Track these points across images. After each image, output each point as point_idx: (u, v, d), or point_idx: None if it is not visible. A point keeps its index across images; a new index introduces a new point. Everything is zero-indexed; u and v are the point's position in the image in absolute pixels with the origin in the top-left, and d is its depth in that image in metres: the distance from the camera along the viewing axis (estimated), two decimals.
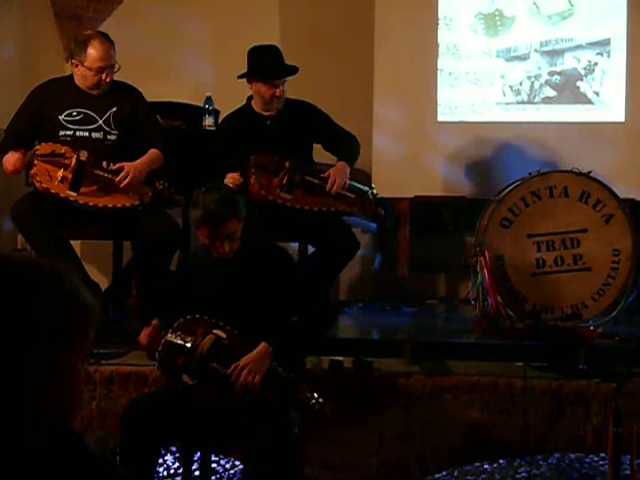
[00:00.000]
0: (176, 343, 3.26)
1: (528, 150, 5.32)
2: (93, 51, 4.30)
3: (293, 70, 4.52)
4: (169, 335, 3.28)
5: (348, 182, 4.46)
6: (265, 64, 4.47)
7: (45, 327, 1.20)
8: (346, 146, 4.57)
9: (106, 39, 4.35)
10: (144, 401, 3.37)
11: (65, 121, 4.33)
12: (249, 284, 3.35)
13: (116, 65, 4.34)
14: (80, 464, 1.25)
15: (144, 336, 3.30)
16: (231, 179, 4.32)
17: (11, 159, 4.25)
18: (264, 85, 4.47)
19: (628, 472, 3.18)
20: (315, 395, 3.21)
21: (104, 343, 3.89)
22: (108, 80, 4.34)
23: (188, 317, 3.31)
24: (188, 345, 3.25)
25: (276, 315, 3.34)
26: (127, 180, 4.23)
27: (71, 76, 4.42)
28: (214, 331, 3.29)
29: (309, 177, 4.42)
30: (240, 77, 4.51)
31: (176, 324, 3.30)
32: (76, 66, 4.35)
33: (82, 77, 4.35)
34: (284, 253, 3.55)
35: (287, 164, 4.35)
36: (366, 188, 4.59)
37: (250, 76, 4.50)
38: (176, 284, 3.60)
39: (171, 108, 5.16)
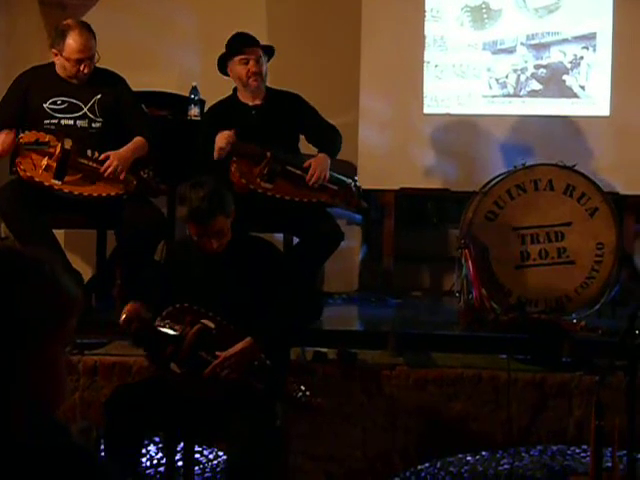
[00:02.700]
0: (164, 332, 3.26)
1: (513, 143, 5.32)
2: (71, 42, 4.25)
3: (267, 46, 4.51)
4: (157, 323, 3.27)
5: (329, 174, 4.45)
6: (235, 39, 4.48)
7: (26, 315, 1.20)
8: (328, 139, 4.56)
9: (86, 29, 4.29)
10: (128, 389, 3.37)
11: (50, 109, 4.30)
12: (236, 277, 3.35)
13: (96, 55, 4.31)
14: (64, 455, 1.24)
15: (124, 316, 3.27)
16: (225, 138, 4.29)
17: (1, 138, 4.20)
18: (238, 63, 4.46)
19: (609, 464, 3.19)
20: (302, 388, 3.22)
21: (87, 333, 3.87)
22: (86, 71, 4.30)
23: (177, 306, 3.30)
24: (176, 334, 3.24)
25: (262, 308, 3.33)
26: (111, 169, 4.20)
27: (53, 64, 4.39)
28: (202, 320, 3.28)
29: (291, 167, 4.41)
30: (219, 66, 4.50)
31: (164, 312, 3.29)
32: (56, 55, 4.32)
33: (61, 67, 4.32)
34: (272, 247, 3.55)
35: (268, 154, 4.34)
36: (349, 180, 4.58)
37: (224, 57, 4.48)
38: (163, 274, 3.59)
39: (157, 97, 5.13)
